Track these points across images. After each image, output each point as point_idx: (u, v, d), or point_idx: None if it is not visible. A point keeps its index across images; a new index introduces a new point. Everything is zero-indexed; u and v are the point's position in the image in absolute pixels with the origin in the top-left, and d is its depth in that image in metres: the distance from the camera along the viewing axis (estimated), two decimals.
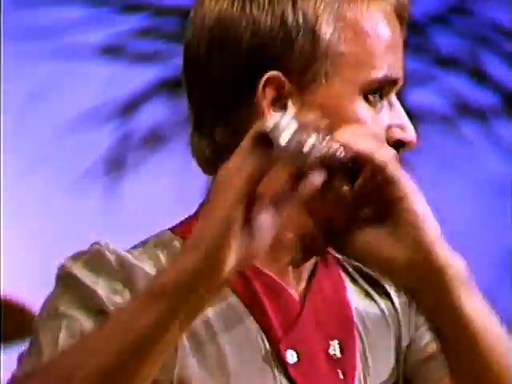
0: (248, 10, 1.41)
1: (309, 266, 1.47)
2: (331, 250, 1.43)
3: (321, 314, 1.48)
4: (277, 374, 1.47)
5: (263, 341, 1.45)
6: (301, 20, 1.41)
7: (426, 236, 1.28)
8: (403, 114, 1.43)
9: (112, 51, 3.64)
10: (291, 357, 1.44)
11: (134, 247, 1.46)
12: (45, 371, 1.30)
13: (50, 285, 1.47)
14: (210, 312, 1.45)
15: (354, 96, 1.39)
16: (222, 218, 1.16)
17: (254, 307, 1.46)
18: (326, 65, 1.41)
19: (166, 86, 3.60)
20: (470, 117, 3.71)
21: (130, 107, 3.85)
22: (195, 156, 1.42)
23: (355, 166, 1.30)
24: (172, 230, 1.49)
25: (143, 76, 3.55)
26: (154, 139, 3.89)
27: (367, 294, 1.56)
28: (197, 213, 1.47)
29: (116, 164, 3.90)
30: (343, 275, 1.54)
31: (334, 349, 1.47)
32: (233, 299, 1.46)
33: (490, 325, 1.35)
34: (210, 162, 1.40)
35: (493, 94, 3.74)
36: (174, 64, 3.58)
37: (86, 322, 1.38)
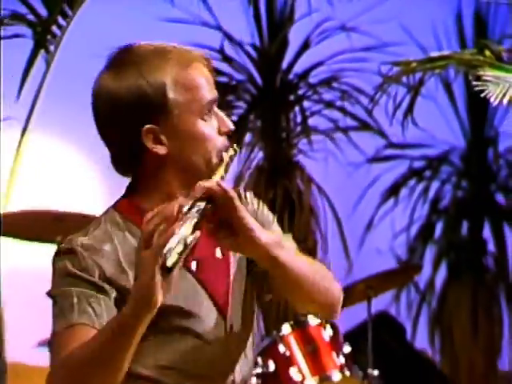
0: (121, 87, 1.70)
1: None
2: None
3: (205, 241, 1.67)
4: (189, 276, 1.76)
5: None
6: (151, 95, 1.69)
7: (251, 230, 1.62)
8: (221, 115, 1.73)
9: None
10: (193, 265, 1.75)
11: (93, 225, 1.71)
12: (60, 367, 1.61)
13: None
14: None
15: (194, 121, 1.71)
16: (147, 285, 1.53)
17: None
18: (175, 110, 1.71)
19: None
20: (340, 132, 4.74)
21: None
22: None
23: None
24: (114, 207, 1.76)
25: None
26: None
27: None
28: (124, 195, 1.76)
29: None
30: None
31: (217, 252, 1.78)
32: None
33: (299, 264, 1.69)
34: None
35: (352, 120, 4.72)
36: None
37: (86, 290, 1.65)
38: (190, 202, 1.56)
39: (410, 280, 4.57)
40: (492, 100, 2.83)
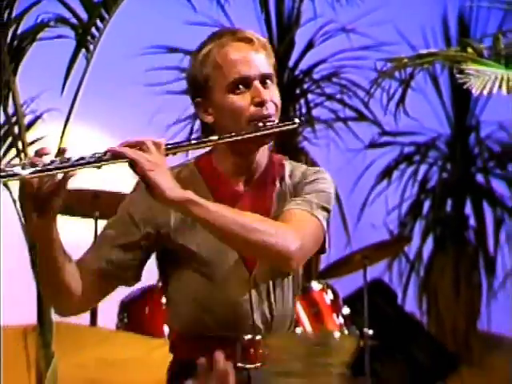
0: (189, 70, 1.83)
1: (250, 177, 1.78)
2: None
3: (254, 202, 1.77)
4: None
5: None
6: (196, 73, 1.80)
7: (158, 189, 1.63)
8: (261, 93, 1.72)
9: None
10: None
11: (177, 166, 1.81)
12: None
13: None
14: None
15: (225, 95, 1.77)
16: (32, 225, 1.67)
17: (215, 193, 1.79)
18: (210, 83, 1.79)
19: None
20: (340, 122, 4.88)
21: None
22: None
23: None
24: (195, 161, 1.86)
25: None
26: None
27: (284, 194, 1.86)
28: (205, 153, 1.83)
29: None
30: (277, 186, 1.84)
31: None
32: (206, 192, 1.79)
33: (217, 217, 1.64)
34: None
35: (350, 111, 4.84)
36: None
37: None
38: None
39: (400, 250, 4.65)
40: (474, 91, 2.90)
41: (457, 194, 5.01)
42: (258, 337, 1.76)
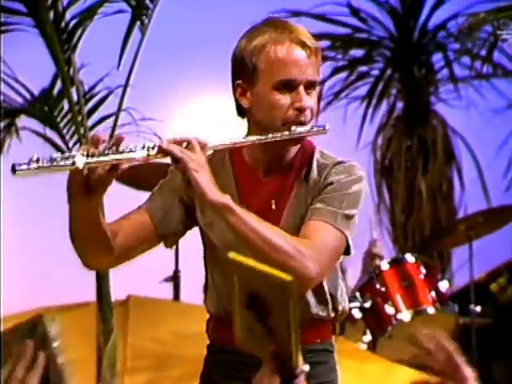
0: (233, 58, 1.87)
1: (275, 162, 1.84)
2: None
3: (272, 189, 1.81)
4: None
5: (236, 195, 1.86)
6: (246, 58, 1.80)
7: (200, 190, 1.70)
8: (303, 100, 1.76)
9: None
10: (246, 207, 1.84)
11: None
12: None
13: None
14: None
15: (269, 90, 1.80)
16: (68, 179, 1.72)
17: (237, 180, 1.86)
18: (256, 74, 1.80)
19: None
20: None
21: None
22: None
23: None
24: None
25: None
26: None
27: (307, 183, 1.86)
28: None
29: None
30: (300, 174, 1.85)
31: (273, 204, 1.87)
32: (229, 174, 1.88)
33: (248, 230, 1.70)
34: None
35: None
36: None
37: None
38: (140, 146, 1.68)
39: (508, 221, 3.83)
40: None
41: None
42: None
